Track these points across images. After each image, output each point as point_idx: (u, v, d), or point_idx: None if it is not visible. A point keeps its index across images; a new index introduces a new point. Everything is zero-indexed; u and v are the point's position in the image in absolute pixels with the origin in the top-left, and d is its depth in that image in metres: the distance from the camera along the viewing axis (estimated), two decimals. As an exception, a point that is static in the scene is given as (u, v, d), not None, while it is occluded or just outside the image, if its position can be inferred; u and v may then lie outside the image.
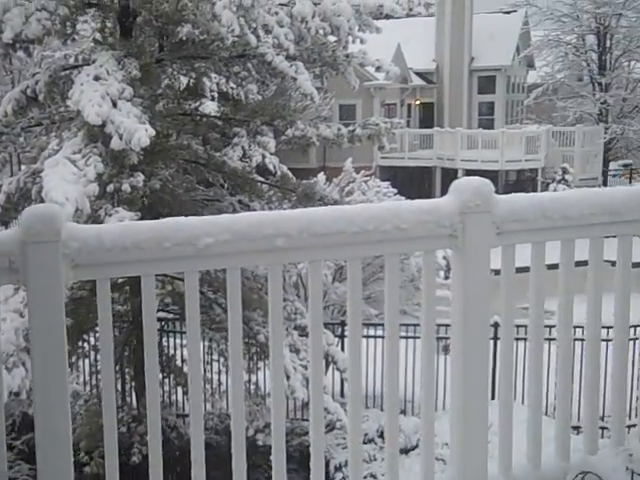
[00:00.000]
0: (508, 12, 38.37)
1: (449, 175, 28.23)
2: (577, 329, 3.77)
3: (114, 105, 8.98)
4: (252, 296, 10.16)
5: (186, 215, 2.42)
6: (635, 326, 3.36)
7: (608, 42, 36.09)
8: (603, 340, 3.03)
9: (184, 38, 10.56)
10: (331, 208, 2.57)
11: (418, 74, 37.31)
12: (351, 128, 11.62)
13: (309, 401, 2.67)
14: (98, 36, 10.84)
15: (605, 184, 34.25)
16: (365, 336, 12.26)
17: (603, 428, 3.22)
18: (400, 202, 2.55)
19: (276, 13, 10.13)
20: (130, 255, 2.29)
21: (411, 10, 11.41)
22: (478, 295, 2.66)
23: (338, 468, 11.40)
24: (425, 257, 2.67)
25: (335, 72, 11.47)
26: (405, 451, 11.60)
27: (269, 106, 11.51)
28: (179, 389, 12.42)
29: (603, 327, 3.04)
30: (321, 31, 10.76)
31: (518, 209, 2.72)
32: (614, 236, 2.92)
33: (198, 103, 11.72)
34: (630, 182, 38.74)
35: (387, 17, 12.23)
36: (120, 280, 9.94)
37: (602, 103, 35.57)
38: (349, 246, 2.49)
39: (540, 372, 2.90)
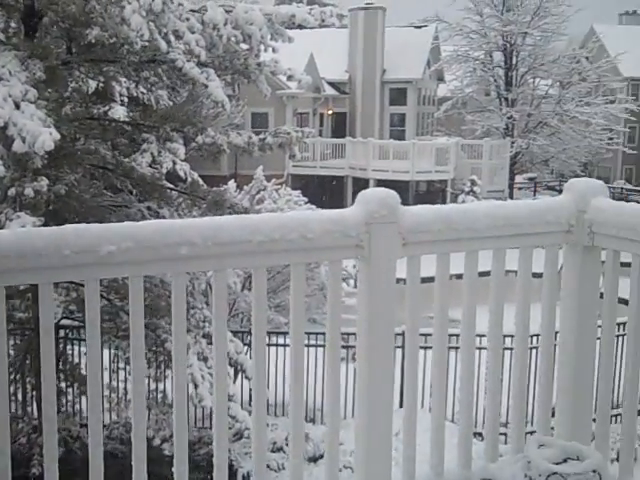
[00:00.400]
0: (419, 27, 39.13)
1: (361, 185, 28.52)
2: (480, 338, 3.85)
3: (17, 107, 8.72)
4: (160, 303, 10.01)
5: (93, 221, 2.36)
6: (535, 335, 3.47)
7: (514, 59, 37.22)
8: (505, 349, 3.10)
9: (93, 41, 10.34)
10: (237, 216, 2.54)
11: (331, 84, 37.61)
12: (262, 136, 11.60)
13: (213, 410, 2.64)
14: (1, 36, 10.50)
15: (511, 196, 35.26)
16: (274, 344, 12.24)
17: (506, 434, 3.29)
18: (307, 212, 2.56)
19: (187, 19, 10.02)
20: (27, 262, 2.21)
21: (323, 21, 11.46)
22: (383, 304, 2.68)
23: (246, 477, 11.34)
24: (331, 267, 2.68)
25: (247, 80, 11.43)
26: (313, 459, 11.63)
27: (179, 112, 11.39)
28: (83, 398, 12.13)
29: (505, 336, 3.11)
30: (233, 39, 10.69)
31: (424, 220, 2.75)
32: (517, 247, 2.99)
33: (107, 107, 11.50)
34: (534, 195, 39.96)
35: (300, 27, 12.27)
36: (22, 287, 9.65)
37: (508, 118, 36.64)
38: (255, 255, 2.47)
39: (444, 380, 2.94)
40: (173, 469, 2.55)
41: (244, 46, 11.35)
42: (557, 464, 2.75)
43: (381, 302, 2.67)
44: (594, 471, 2.71)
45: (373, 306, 2.66)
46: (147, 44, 9.89)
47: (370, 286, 2.65)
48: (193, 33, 10.01)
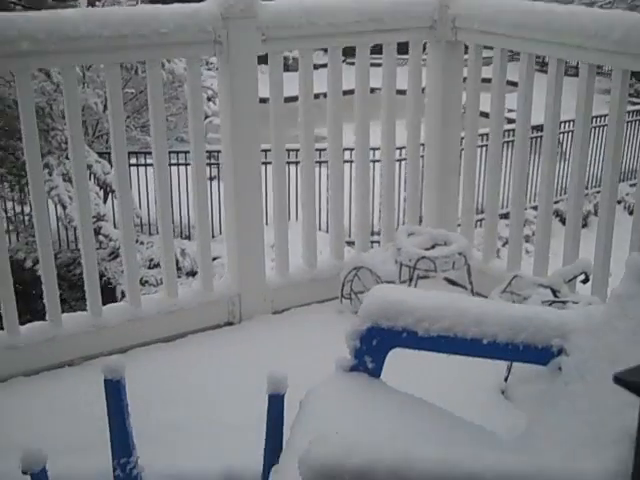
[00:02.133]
0: None
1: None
2: (350, 151, 3.84)
3: None
4: (17, 126, 9.44)
5: None
6: (401, 148, 3.51)
7: None
8: (372, 161, 3.11)
9: None
10: (82, 9, 2.36)
11: None
12: None
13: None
14: None
15: None
16: (144, 165, 12.01)
17: (378, 242, 3.32)
18: (158, 5, 2.38)
19: None
20: None
21: None
22: (245, 103, 2.61)
23: (124, 293, 11.43)
24: (190, 65, 2.55)
25: None
26: (192, 274, 11.78)
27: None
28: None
29: (372, 149, 3.11)
30: None
31: (284, 15, 2.65)
32: (380, 43, 2.92)
33: None
34: None
35: None
36: None
37: None
38: (104, 51, 2.32)
39: (313, 192, 2.93)
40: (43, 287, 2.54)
41: None
42: (426, 250, 2.84)
43: (243, 100, 2.60)
44: (460, 253, 2.82)
45: (235, 104, 2.59)
46: None
47: (232, 83, 2.57)
48: None
